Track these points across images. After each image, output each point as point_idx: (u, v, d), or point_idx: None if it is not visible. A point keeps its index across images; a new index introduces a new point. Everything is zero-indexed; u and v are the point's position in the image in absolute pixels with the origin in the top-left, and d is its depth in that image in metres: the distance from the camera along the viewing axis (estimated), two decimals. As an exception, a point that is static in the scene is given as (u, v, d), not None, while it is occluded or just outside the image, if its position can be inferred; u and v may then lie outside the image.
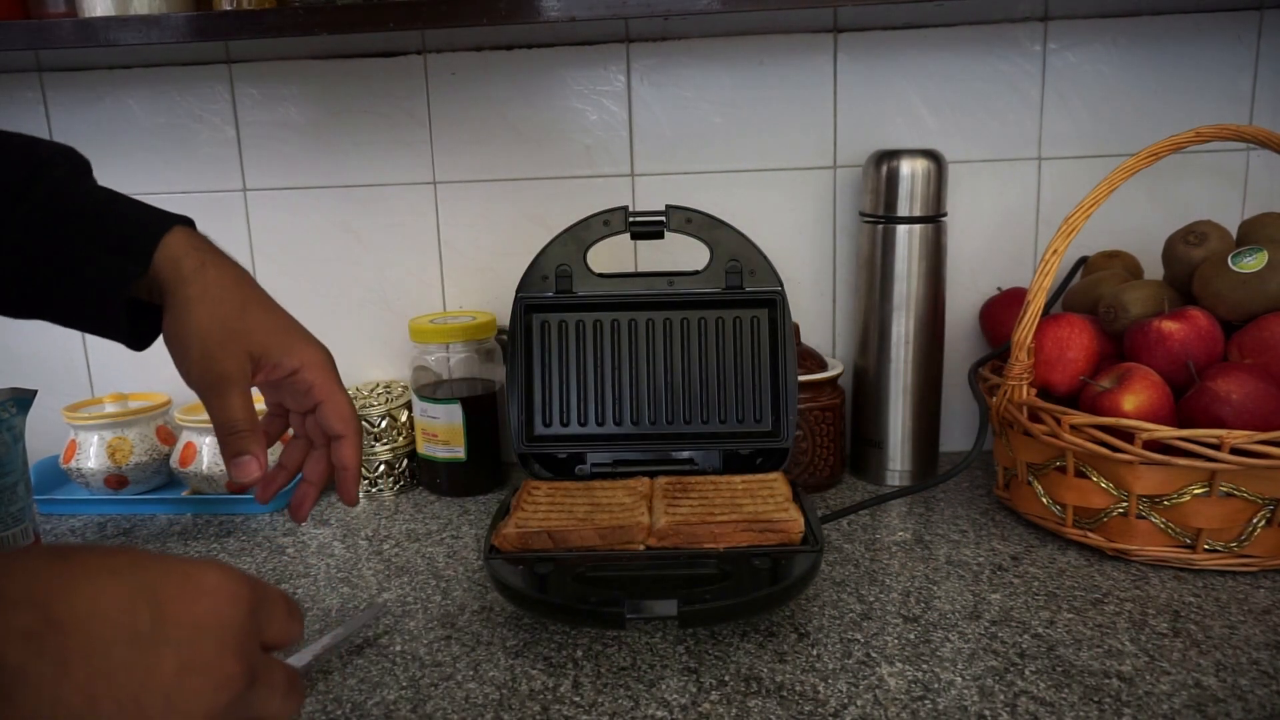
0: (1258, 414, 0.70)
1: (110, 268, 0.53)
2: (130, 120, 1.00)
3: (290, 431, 0.63)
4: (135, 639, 0.30)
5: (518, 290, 0.83)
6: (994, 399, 0.82)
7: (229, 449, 0.52)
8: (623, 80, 0.97)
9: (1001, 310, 0.95)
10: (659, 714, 0.57)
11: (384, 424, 0.95)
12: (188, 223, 0.57)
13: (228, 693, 0.32)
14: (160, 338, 0.56)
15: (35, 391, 0.80)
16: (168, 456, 0.96)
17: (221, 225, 1.02)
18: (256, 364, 0.55)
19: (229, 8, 0.83)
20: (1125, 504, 0.73)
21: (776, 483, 0.76)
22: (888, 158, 0.87)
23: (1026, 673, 0.60)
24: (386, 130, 0.99)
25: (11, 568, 0.29)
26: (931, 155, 0.87)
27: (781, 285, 0.82)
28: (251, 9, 0.82)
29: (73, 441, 0.95)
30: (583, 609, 0.61)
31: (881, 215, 0.89)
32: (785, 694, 0.58)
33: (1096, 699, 0.56)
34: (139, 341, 0.58)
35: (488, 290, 1.03)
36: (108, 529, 0.91)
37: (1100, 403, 0.75)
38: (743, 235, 0.82)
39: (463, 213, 1.01)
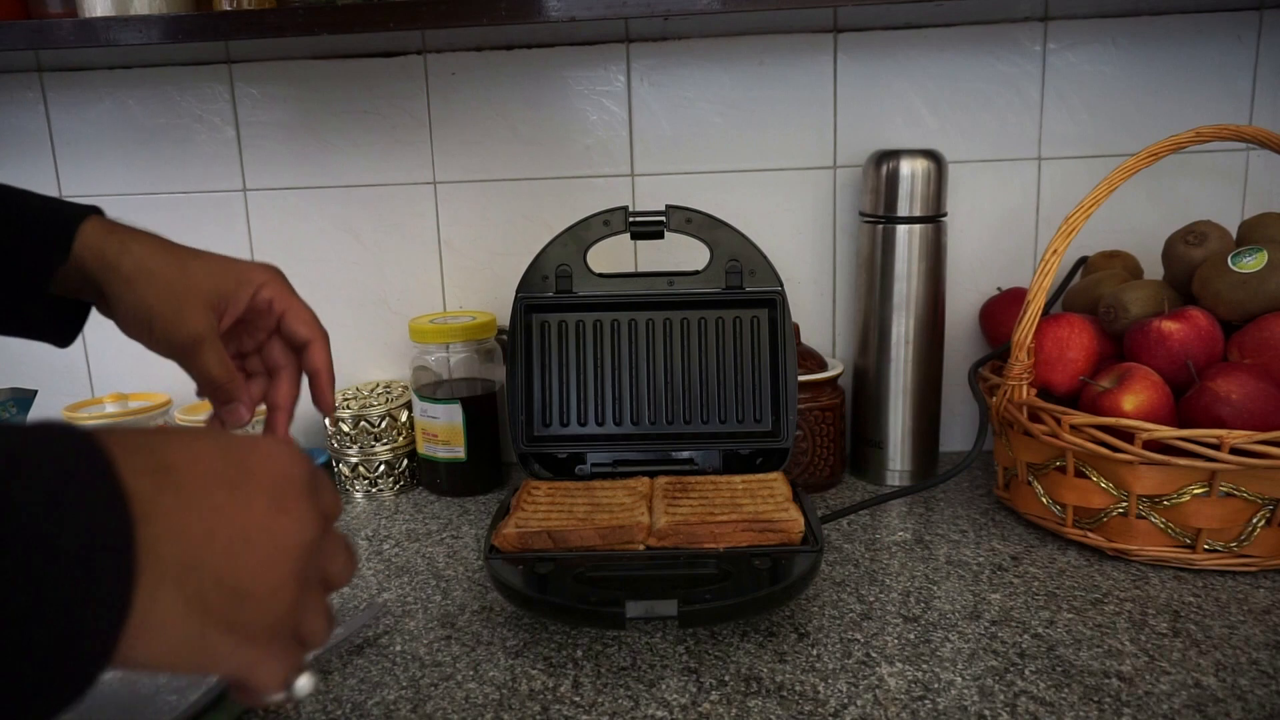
0: (1258, 414, 0.70)
1: (31, 261, 0.53)
2: (130, 120, 1.00)
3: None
4: (231, 484, 0.33)
5: (518, 290, 0.83)
6: (994, 399, 0.82)
7: (218, 400, 0.55)
8: (623, 80, 0.97)
9: (1001, 310, 0.95)
10: (659, 714, 0.57)
11: (384, 424, 0.95)
12: (98, 212, 0.57)
13: (311, 531, 0.36)
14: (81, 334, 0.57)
15: (35, 391, 0.80)
16: (168, 456, 0.96)
17: (221, 225, 1.02)
18: (218, 311, 0.56)
19: (229, 8, 0.83)
20: (1125, 504, 0.73)
21: (776, 483, 0.76)
22: (888, 158, 0.87)
23: (1026, 673, 0.60)
24: (386, 130, 0.99)
25: (115, 429, 0.31)
26: (931, 155, 0.87)
27: (781, 285, 0.82)
28: (251, 9, 0.82)
29: (73, 441, 0.95)
30: (583, 609, 0.61)
31: (881, 215, 0.89)
32: (785, 694, 0.58)
33: (1096, 699, 0.56)
34: (63, 338, 0.58)
35: (488, 290, 1.03)
36: (108, 529, 0.91)
37: (1100, 403, 0.75)
38: (743, 235, 0.82)
39: (463, 213, 1.01)
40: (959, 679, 0.59)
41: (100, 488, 0.28)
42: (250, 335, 0.60)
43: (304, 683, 0.37)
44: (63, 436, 0.28)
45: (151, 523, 0.29)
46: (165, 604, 0.29)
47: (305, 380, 0.61)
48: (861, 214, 0.92)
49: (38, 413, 0.83)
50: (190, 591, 0.30)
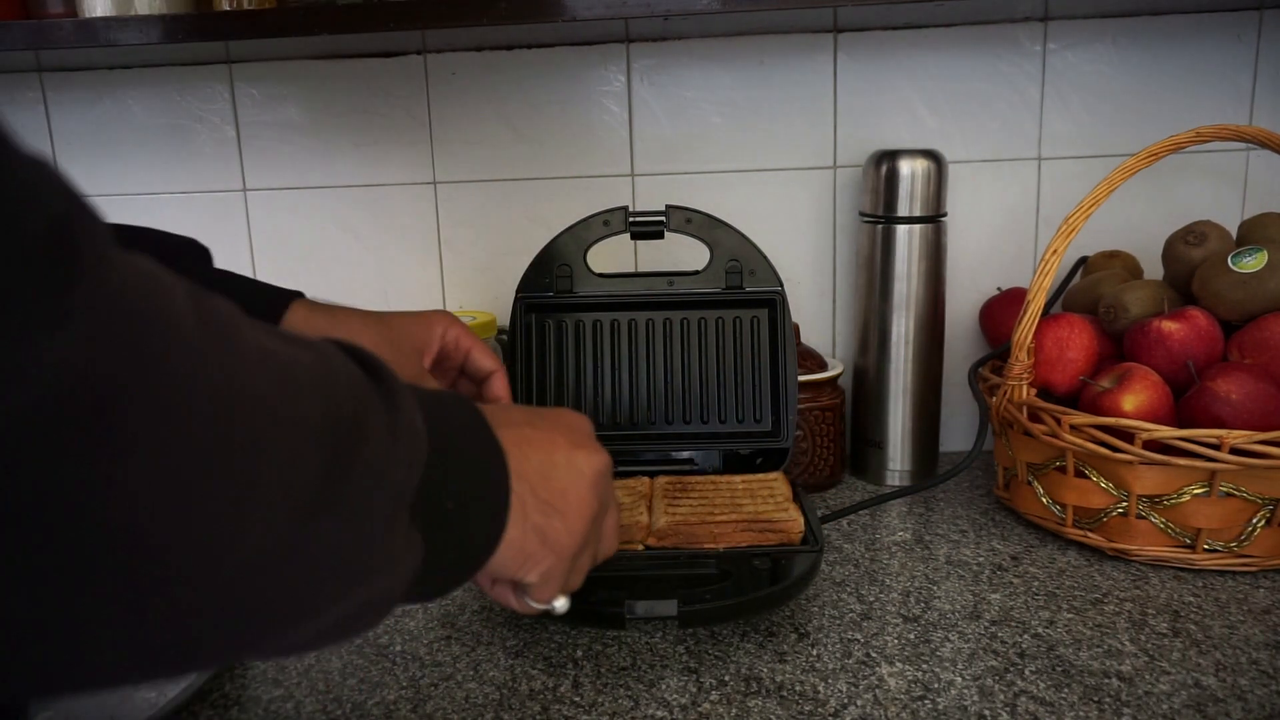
0: (1257, 414, 0.70)
1: None
2: (130, 120, 1.00)
3: None
4: (534, 424, 0.44)
5: (518, 290, 0.83)
6: (994, 399, 0.82)
7: None
8: (623, 80, 0.97)
9: (1001, 310, 0.95)
10: (659, 714, 0.57)
11: (384, 424, 0.95)
12: (301, 295, 0.63)
13: (603, 464, 0.46)
14: None
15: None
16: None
17: (221, 225, 1.02)
18: (421, 357, 0.63)
19: (229, 8, 0.83)
20: (1125, 504, 0.73)
21: (776, 483, 0.76)
22: (888, 158, 0.87)
23: (1026, 673, 0.60)
24: (386, 130, 0.99)
25: (467, 401, 0.41)
26: (931, 155, 0.87)
27: (781, 285, 0.82)
28: (251, 9, 0.82)
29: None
30: (583, 609, 0.61)
31: (881, 215, 0.89)
32: (785, 694, 0.58)
33: (1096, 699, 0.56)
34: None
35: (488, 290, 1.03)
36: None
37: (1100, 403, 0.75)
38: (743, 235, 0.82)
39: (463, 213, 1.01)
40: (959, 679, 0.59)
41: (488, 439, 0.39)
42: (443, 375, 0.66)
43: (562, 602, 0.47)
44: (455, 398, 0.39)
45: (515, 470, 0.40)
46: (516, 520, 0.40)
47: None
48: (861, 214, 0.92)
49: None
50: (526, 509, 0.41)
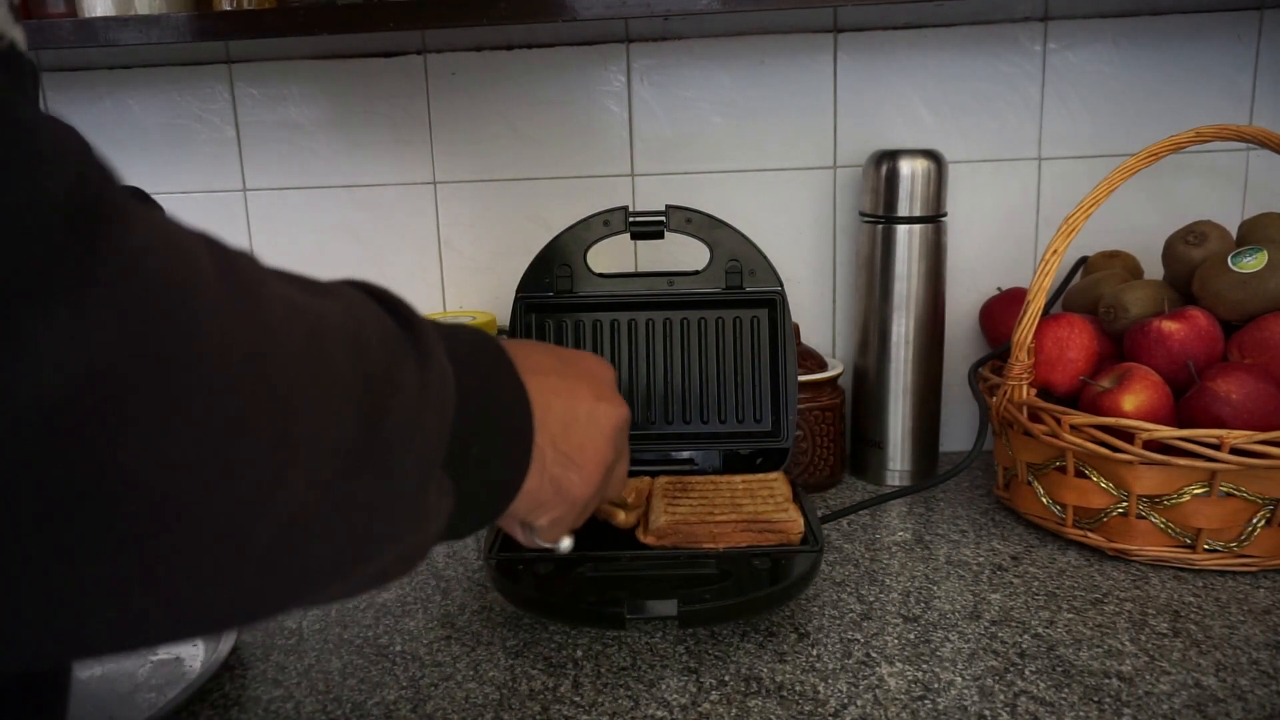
0: (1258, 414, 0.70)
1: None
2: (130, 120, 1.00)
3: None
4: (560, 371, 0.43)
5: (518, 290, 0.83)
6: (994, 399, 0.82)
7: None
8: (623, 80, 0.97)
9: (1001, 310, 0.95)
10: (659, 714, 0.57)
11: (384, 424, 0.95)
12: None
13: (621, 418, 0.46)
14: None
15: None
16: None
17: (221, 225, 1.02)
18: None
19: (229, 8, 0.83)
20: (1125, 504, 0.73)
21: (776, 483, 0.76)
22: (888, 158, 0.87)
23: (1026, 673, 0.60)
24: (386, 130, 0.99)
25: (491, 338, 0.40)
26: (931, 155, 0.87)
27: (781, 285, 0.82)
28: (251, 9, 0.82)
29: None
30: (583, 609, 0.61)
31: (881, 215, 0.89)
32: (785, 694, 0.58)
33: (1096, 699, 0.56)
34: None
35: (488, 290, 1.03)
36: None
37: (1100, 403, 0.75)
38: (743, 235, 0.82)
39: (463, 213, 1.01)
40: (959, 679, 0.59)
41: (514, 386, 0.38)
42: None
43: (567, 542, 0.49)
44: (481, 339, 0.38)
45: (539, 421, 0.39)
46: (535, 471, 0.40)
47: None
48: (861, 214, 0.92)
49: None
50: (545, 460, 0.41)
